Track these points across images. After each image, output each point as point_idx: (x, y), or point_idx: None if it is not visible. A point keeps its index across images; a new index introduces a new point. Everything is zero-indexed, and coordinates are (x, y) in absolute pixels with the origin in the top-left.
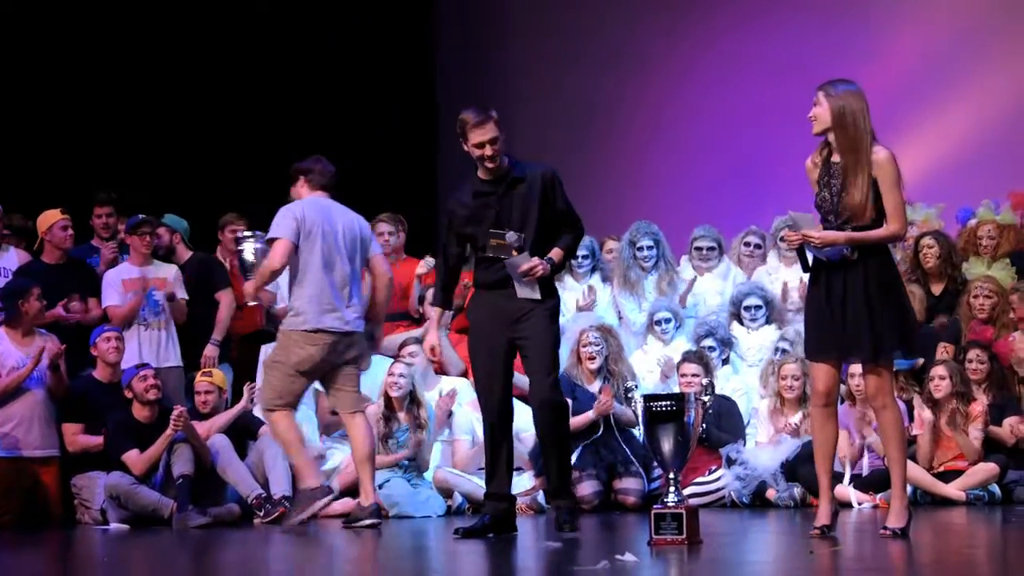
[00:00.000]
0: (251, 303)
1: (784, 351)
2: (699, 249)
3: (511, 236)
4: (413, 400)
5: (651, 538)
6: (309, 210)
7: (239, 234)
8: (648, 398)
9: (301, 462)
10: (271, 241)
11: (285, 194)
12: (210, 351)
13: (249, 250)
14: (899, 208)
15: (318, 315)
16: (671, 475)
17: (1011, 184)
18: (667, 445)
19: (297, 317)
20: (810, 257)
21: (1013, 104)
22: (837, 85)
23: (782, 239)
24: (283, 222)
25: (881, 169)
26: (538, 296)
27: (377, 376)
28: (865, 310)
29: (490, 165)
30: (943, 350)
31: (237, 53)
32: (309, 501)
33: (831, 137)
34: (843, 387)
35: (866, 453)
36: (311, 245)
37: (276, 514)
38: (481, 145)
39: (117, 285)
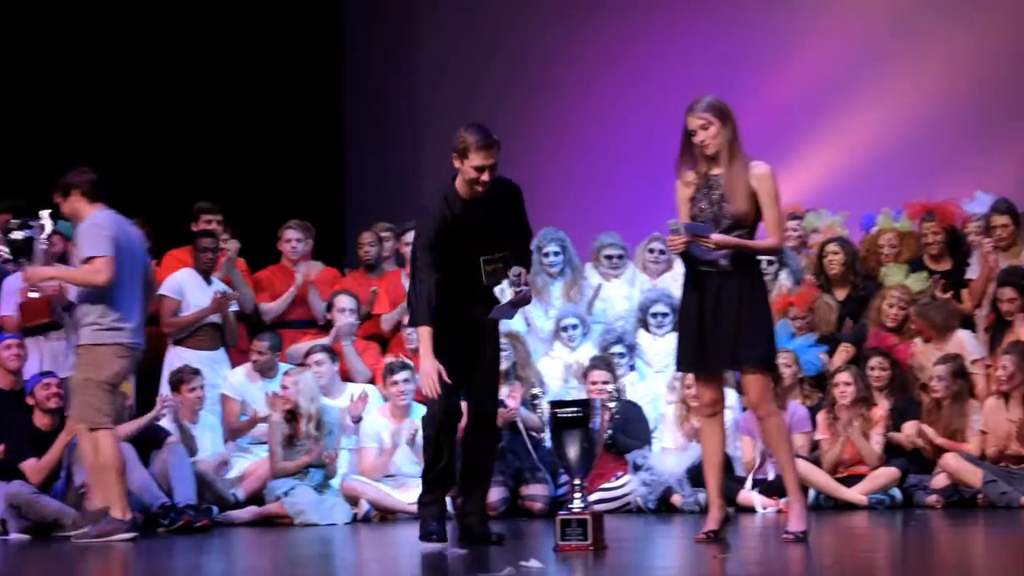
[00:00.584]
0: (32, 294)
1: None
2: (609, 257)
3: (515, 271)
4: (306, 409)
5: (557, 544)
6: (111, 225)
7: (10, 223)
8: (554, 404)
9: (116, 492)
10: (90, 259)
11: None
12: None
13: (21, 235)
14: (779, 222)
15: (130, 332)
16: (577, 481)
17: (914, 191)
18: (573, 451)
19: (106, 332)
20: (692, 254)
21: (916, 112)
22: (713, 101)
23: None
24: (100, 239)
25: (762, 183)
26: (511, 318)
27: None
28: (734, 323)
29: (480, 190)
30: (844, 351)
31: (138, 54)
32: (115, 528)
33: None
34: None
35: (769, 458)
36: (119, 260)
37: (181, 523)
38: (480, 169)
39: (15, 293)
